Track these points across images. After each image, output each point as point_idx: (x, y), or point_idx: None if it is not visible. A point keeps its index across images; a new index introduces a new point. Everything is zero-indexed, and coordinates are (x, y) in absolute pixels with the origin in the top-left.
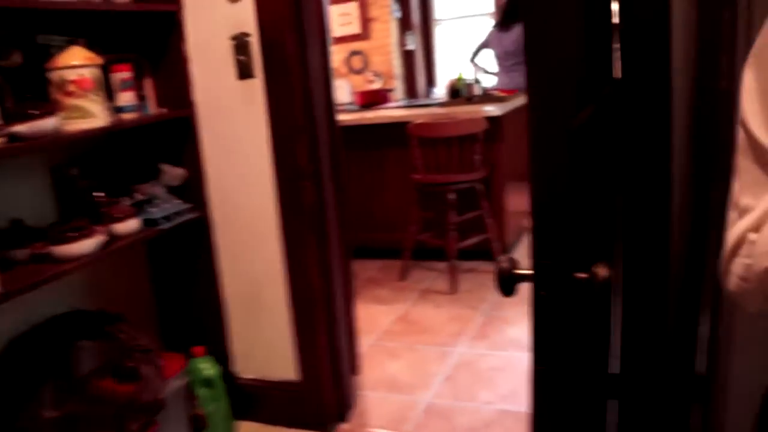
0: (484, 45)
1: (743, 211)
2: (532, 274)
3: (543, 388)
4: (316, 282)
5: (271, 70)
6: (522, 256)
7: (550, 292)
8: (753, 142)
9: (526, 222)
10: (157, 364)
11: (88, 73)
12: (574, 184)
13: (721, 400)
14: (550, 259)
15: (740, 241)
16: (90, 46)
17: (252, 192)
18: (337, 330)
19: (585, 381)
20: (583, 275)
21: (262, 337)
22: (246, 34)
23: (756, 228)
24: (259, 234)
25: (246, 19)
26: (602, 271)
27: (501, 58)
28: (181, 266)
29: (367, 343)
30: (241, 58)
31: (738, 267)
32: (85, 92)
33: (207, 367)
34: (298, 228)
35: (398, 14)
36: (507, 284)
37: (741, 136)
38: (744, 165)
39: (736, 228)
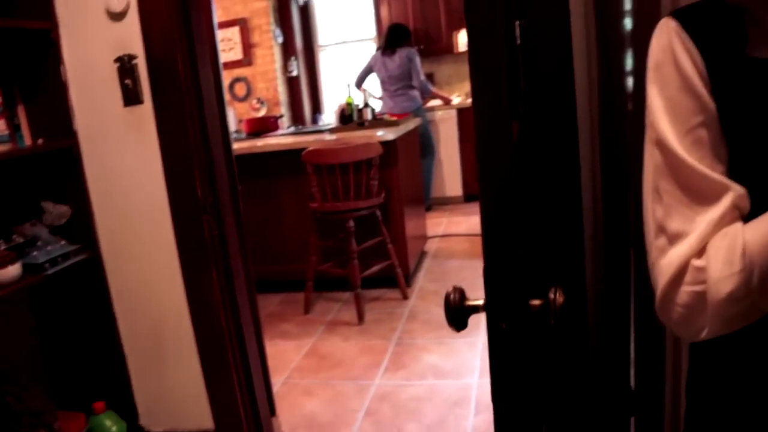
0: (369, 70)
1: (675, 237)
2: (484, 305)
3: (509, 427)
4: (223, 320)
5: (161, 95)
6: (425, 280)
7: (509, 324)
8: (675, 162)
9: (425, 246)
10: (53, 427)
11: None
12: (523, 201)
13: (671, 412)
14: (506, 286)
15: (682, 270)
16: None
17: (147, 228)
18: (251, 370)
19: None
20: (538, 302)
21: (170, 384)
22: (132, 56)
23: (698, 254)
24: (157, 273)
25: (131, 39)
26: (560, 298)
27: (386, 83)
28: (72, 314)
29: (278, 381)
30: (127, 82)
31: (683, 296)
32: None
33: (111, 424)
34: (200, 264)
35: (281, 40)
36: (458, 318)
37: (657, 158)
38: (666, 187)
39: (672, 256)
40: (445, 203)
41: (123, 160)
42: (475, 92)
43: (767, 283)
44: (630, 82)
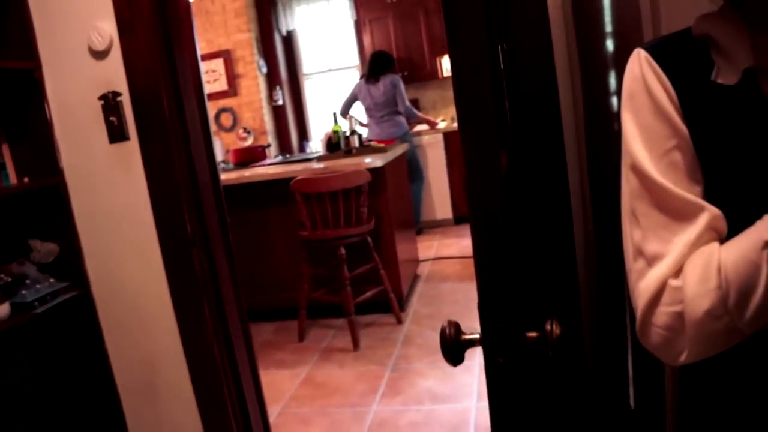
0: (354, 98)
1: (653, 259)
2: (480, 339)
3: None
4: (217, 353)
5: (146, 131)
6: (419, 304)
7: (507, 358)
8: (650, 185)
9: (417, 270)
10: None
11: None
12: (515, 233)
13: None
14: (502, 320)
15: (659, 290)
16: None
17: (137, 264)
18: (247, 401)
19: None
20: (534, 334)
21: (165, 420)
22: (116, 93)
23: (675, 274)
24: (149, 309)
25: (115, 76)
26: (556, 329)
27: (371, 110)
28: (63, 353)
29: (274, 412)
30: (113, 119)
31: (661, 317)
32: None
33: None
34: (192, 299)
35: (265, 69)
36: (454, 352)
37: (633, 182)
38: (643, 210)
39: (650, 277)
40: (435, 226)
41: (111, 197)
42: (462, 126)
43: (744, 301)
44: (615, 102)
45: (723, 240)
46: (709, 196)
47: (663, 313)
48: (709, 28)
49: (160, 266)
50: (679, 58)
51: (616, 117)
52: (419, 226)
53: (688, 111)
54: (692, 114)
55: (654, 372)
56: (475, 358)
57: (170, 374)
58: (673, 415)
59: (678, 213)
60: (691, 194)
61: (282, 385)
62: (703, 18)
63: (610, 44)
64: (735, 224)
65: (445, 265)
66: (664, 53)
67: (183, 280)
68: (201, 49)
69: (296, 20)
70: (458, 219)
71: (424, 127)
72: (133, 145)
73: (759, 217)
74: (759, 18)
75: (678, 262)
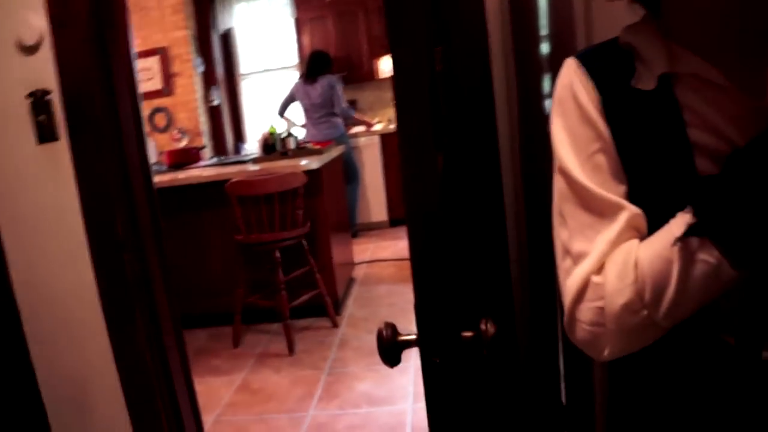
0: (291, 98)
1: (578, 257)
2: (417, 340)
3: None
4: (150, 362)
5: (77, 131)
6: (355, 307)
7: (443, 358)
8: (576, 186)
9: (353, 273)
10: None
11: None
12: (451, 234)
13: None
14: (438, 321)
15: (583, 287)
16: None
17: (65, 270)
18: (181, 411)
19: None
20: (469, 334)
21: None
22: (46, 91)
23: (597, 270)
24: (78, 317)
25: (45, 73)
26: (491, 328)
27: (309, 111)
28: None
29: (209, 420)
30: (41, 118)
31: (585, 313)
32: None
33: None
34: (123, 306)
35: (201, 69)
36: (391, 353)
37: (561, 184)
38: (569, 211)
39: (575, 275)
40: (371, 228)
41: (38, 200)
42: (400, 127)
43: (659, 295)
44: (548, 105)
45: (643, 237)
46: (632, 196)
47: (587, 309)
48: (632, 38)
49: (90, 272)
50: (605, 65)
51: (548, 119)
52: (355, 228)
53: (611, 115)
54: (615, 118)
55: (584, 369)
56: (411, 360)
57: (100, 385)
58: (603, 410)
59: (601, 212)
60: (613, 195)
61: (217, 392)
62: (627, 28)
63: (545, 47)
64: (655, 222)
65: (380, 267)
66: (591, 61)
67: (114, 286)
68: (136, 46)
69: (235, 18)
70: (393, 221)
71: (361, 128)
72: (62, 145)
73: (674, 215)
74: (673, 28)
75: (600, 260)
